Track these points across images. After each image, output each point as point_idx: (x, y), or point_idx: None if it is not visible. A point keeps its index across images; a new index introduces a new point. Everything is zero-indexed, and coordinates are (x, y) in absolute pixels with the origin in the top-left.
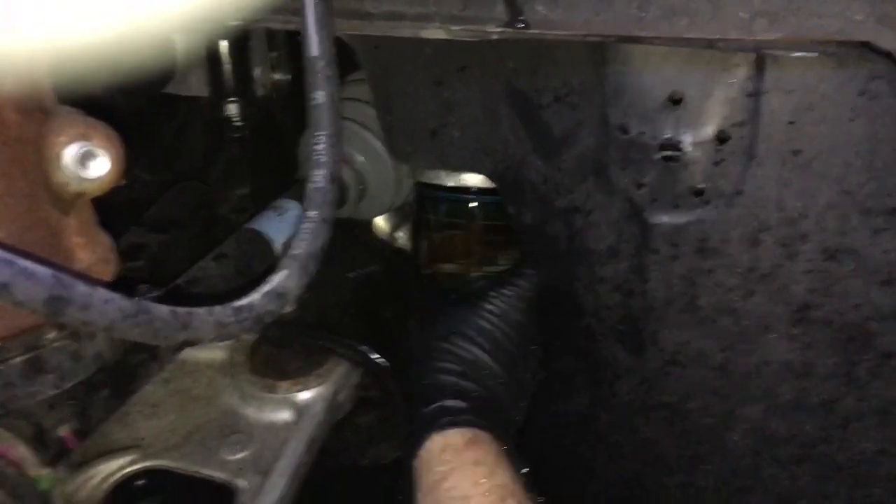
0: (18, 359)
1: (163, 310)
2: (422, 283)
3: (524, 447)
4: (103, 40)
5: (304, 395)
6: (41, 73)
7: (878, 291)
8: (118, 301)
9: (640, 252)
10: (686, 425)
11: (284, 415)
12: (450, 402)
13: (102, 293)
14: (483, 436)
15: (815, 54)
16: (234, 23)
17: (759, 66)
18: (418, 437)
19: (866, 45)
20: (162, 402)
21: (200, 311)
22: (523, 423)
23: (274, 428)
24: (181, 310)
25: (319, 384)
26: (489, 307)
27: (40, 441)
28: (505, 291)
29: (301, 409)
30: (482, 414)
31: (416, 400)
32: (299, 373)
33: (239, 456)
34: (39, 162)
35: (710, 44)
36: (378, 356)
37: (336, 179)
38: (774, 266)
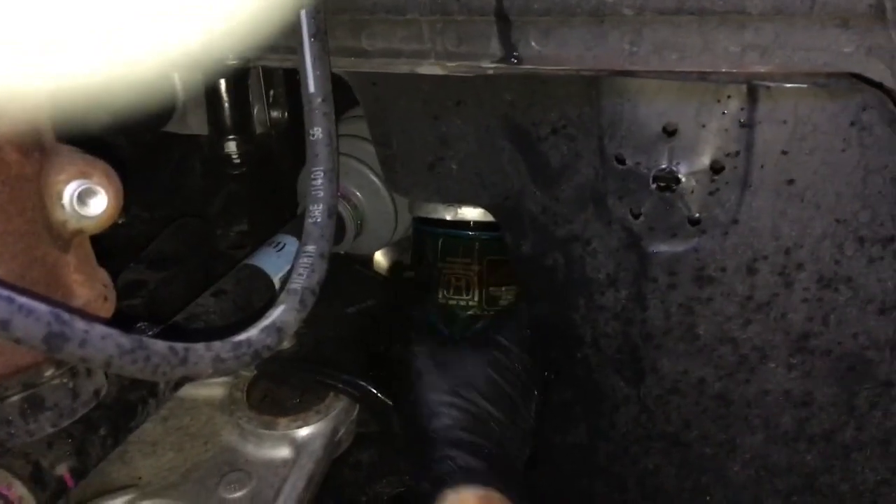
0: (16, 397)
1: (161, 345)
2: (421, 318)
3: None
4: (103, 80)
5: (304, 432)
6: (41, 111)
7: (876, 320)
8: (116, 337)
9: (639, 280)
10: (687, 455)
11: (284, 452)
12: (461, 459)
13: (100, 329)
14: (494, 495)
15: (806, 85)
16: (231, 62)
17: (752, 97)
18: (430, 495)
19: (856, 77)
20: (160, 440)
21: (198, 346)
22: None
23: (273, 465)
24: (179, 345)
25: (319, 420)
26: (493, 354)
27: (38, 480)
28: (506, 335)
29: (300, 446)
30: (492, 470)
31: (424, 453)
32: (298, 409)
33: (238, 494)
34: (39, 200)
35: (702, 76)
36: (377, 392)
37: (334, 214)
38: (772, 295)
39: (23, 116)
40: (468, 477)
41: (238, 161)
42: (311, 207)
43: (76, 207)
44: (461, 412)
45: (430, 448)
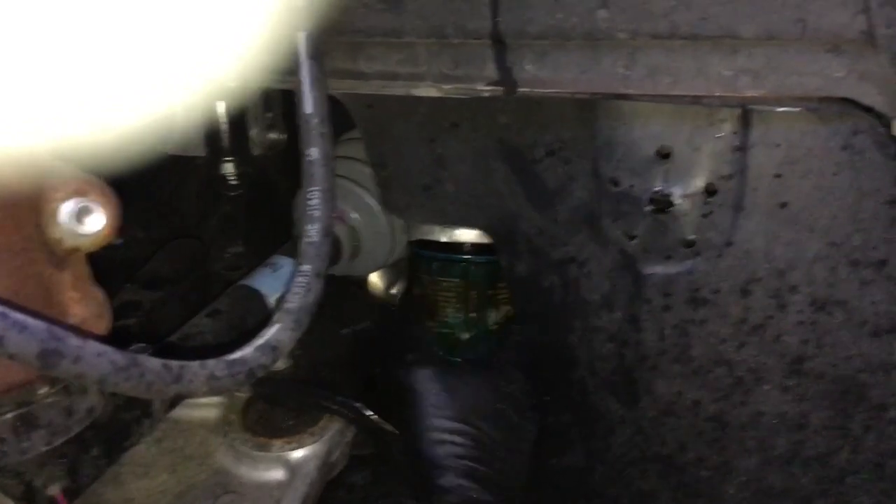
0: (10, 414)
1: (155, 363)
2: (418, 343)
3: None
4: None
5: (298, 454)
6: (39, 131)
7: (869, 343)
8: (110, 354)
9: (634, 302)
10: (682, 478)
11: (277, 474)
12: (470, 490)
13: (95, 346)
14: None
15: (799, 109)
16: (232, 85)
17: (745, 121)
18: None
19: (848, 101)
20: (154, 461)
21: (193, 364)
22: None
23: (267, 487)
24: (173, 363)
25: (313, 442)
26: (497, 380)
27: (30, 500)
28: (507, 358)
29: (294, 468)
30: (498, 499)
31: (432, 480)
32: (292, 431)
33: None
34: (35, 217)
35: (695, 100)
36: (372, 413)
37: (330, 234)
38: (766, 317)
39: (21, 135)
40: None
41: (235, 183)
42: (307, 227)
43: (73, 225)
44: (468, 440)
45: (438, 476)
